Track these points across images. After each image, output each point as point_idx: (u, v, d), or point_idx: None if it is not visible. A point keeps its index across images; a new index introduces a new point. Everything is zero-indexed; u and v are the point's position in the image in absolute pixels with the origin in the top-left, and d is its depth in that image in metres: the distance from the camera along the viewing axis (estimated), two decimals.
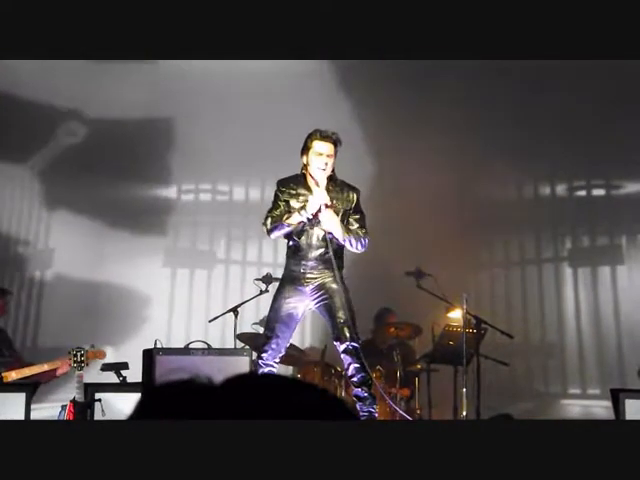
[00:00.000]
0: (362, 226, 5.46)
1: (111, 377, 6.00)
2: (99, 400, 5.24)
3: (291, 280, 5.46)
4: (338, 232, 5.31)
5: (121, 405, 5.22)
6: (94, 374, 5.90)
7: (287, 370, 7.26)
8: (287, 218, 5.35)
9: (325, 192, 5.32)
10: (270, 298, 5.68)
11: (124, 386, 5.73)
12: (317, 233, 5.39)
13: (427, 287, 6.84)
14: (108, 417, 5.16)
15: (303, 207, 5.32)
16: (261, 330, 5.96)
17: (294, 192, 5.42)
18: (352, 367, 5.33)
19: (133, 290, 8.81)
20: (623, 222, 9.13)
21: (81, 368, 5.36)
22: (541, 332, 9.17)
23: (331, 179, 5.40)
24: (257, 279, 6.94)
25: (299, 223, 5.36)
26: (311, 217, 5.31)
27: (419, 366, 7.30)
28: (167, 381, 1.05)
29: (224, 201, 9.40)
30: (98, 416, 5.21)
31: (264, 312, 5.89)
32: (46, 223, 8.98)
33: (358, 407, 5.32)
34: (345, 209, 5.43)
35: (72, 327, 7.94)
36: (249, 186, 9.28)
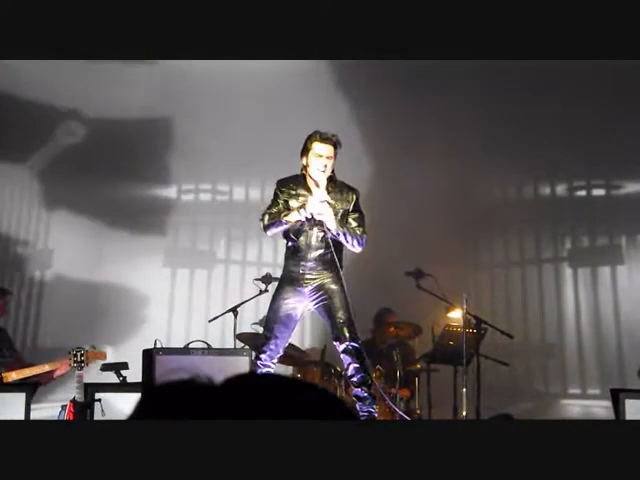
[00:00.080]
0: (360, 225, 5.46)
1: (111, 377, 5.99)
2: (99, 400, 5.24)
3: (290, 281, 5.46)
4: (331, 224, 5.31)
5: (121, 405, 5.21)
6: (94, 374, 5.89)
7: (287, 370, 7.26)
8: (285, 215, 5.36)
9: (325, 192, 5.33)
10: (270, 298, 5.69)
11: (124, 386, 5.73)
12: (316, 234, 5.40)
13: (427, 287, 6.83)
14: (108, 417, 5.16)
15: (302, 206, 5.33)
16: (261, 330, 5.96)
17: (294, 192, 5.43)
18: (352, 367, 5.33)
19: (133, 290, 8.81)
20: (623, 222, 9.12)
21: (81, 368, 5.36)
22: (541, 332, 9.17)
23: (331, 180, 5.41)
24: (257, 279, 6.94)
25: (297, 222, 5.36)
26: (310, 217, 5.32)
27: (419, 366, 7.30)
28: (167, 381, 1.05)
29: (224, 201, 9.40)
30: (98, 416, 5.21)
31: (264, 312, 5.89)
32: (46, 223, 8.98)
33: (358, 407, 5.32)
34: (344, 209, 5.44)
35: (72, 327, 7.95)
36: (249, 186, 9.28)
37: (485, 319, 6.76)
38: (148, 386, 5.29)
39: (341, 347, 5.34)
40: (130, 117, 8.71)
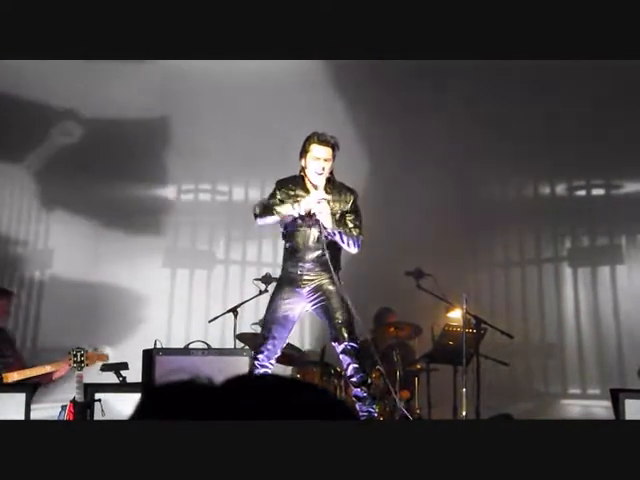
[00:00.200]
0: (356, 226, 5.46)
1: (111, 377, 5.99)
2: (99, 400, 5.24)
3: (288, 282, 5.48)
4: (328, 222, 5.32)
5: (120, 407, 5.21)
6: (94, 374, 5.89)
7: (286, 370, 7.26)
8: (278, 206, 5.36)
9: (323, 192, 5.34)
10: (269, 298, 5.70)
11: (124, 386, 5.72)
12: (313, 235, 5.41)
13: (427, 287, 6.83)
14: (108, 417, 5.16)
15: (297, 201, 5.34)
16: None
17: (292, 193, 5.45)
18: (351, 367, 5.34)
19: (133, 290, 8.81)
20: (623, 222, 9.12)
21: (81, 368, 5.36)
22: (541, 332, 9.17)
23: (329, 181, 5.42)
24: (256, 279, 6.94)
25: (288, 216, 5.36)
26: (303, 214, 5.32)
27: (419, 366, 7.29)
28: (167, 381, 1.05)
29: (224, 201, 9.39)
30: (98, 416, 5.21)
31: (264, 312, 5.89)
32: (46, 223, 8.97)
33: (357, 407, 5.33)
34: (342, 210, 5.45)
35: (72, 327, 7.94)
36: (248, 186, 9.27)
37: (485, 319, 6.76)
38: (148, 386, 5.28)
39: (340, 347, 5.35)
40: (129, 117, 8.71)
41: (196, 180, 9.35)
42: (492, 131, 8.63)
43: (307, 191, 5.41)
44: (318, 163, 5.33)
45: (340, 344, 5.34)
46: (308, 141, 5.37)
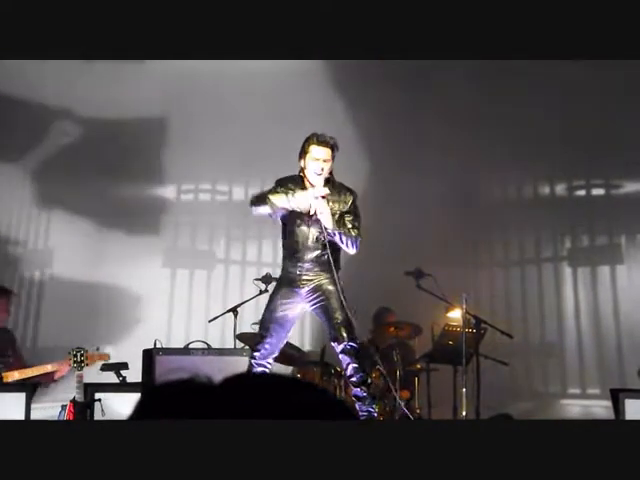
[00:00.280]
0: (355, 227, 5.46)
1: (111, 377, 5.99)
2: (99, 400, 5.24)
3: (287, 282, 5.48)
4: (329, 223, 5.32)
5: (118, 407, 5.21)
6: (94, 374, 5.90)
7: (287, 370, 7.26)
8: (272, 195, 5.36)
9: (323, 188, 5.34)
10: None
11: (124, 386, 5.73)
12: (312, 234, 5.41)
13: (427, 287, 6.83)
14: (107, 417, 5.16)
15: (292, 193, 5.34)
16: None
17: (292, 192, 5.45)
18: (350, 367, 5.34)
19: (133, 290, 8.81)
20: (622, 222, 9.12)
21: (81, 368, 5.37)
22: (541, 332, 9.17)
23: (328, 182, 5.42)
24: (256, 279, 6.94)
25: (282, 208, 5.35)
26: (296, 208, 5.31)
27: (419, 366, 7.30)
28: (167, 381, 1.05)
29: (223, 201, 9.40)
30: (98, 416, 5.21)
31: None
32: (46, 223, 8.97)
33: (357, 407, 5.33)
34: (342, 211, 5.45)
35: (72, 327, 7.94)
36: (248, 186, 9.27)
37: (485, 319, 6.76)
38: (148, 386, 5.29)
39: (339, 347, 5.36)
40: (130, 117, 8.71)
41: (196, 180, 9.35)
42: (492, 131, 8.63)
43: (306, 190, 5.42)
44: (317, 164, 5.34)
45: (339, 344, 5.34)
46: (307, 142, 5.38)
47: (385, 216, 8.20)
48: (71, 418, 5.20)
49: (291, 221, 5.46)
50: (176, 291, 9.16)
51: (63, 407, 5.43)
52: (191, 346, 6.28)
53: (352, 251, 5.46)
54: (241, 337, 6.90)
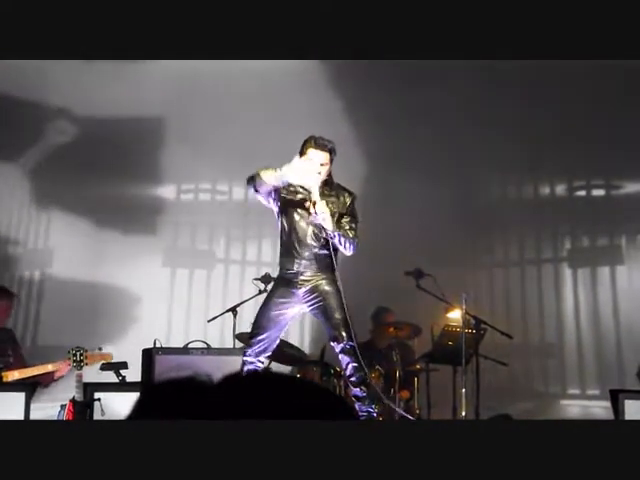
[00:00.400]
0: (352, 228, 5.45)
1: (110, 377, 5.99)
2: (98, 399, 5.24)
3: (285, 282, 5.48)
4: (329, 224, 5.31)
5: (118, 406, 5.20)
6: (93, 373, 5.89)
7: (286, 370, 7.26)
8: (263, 170, 5.30)
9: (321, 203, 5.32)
10: None
11: (123, 386, 5.73)
12: (310, 231, 5.41)
13: (427, 287, 6.83)
14: (107, 417, 5.16)
15: (296, 192, 5.33)
16: None
17: (292, 189, 5.46)
18: (350, 367, 5.34)
19: (132, 290, 8.81)
20: (623, 222, 9.12)
21: (80, 368, 5.36)
22: (540, 332, 9.16)
23: (326, 183, 5.42)
24: (256, 279, 6.94)
25: (271, 185, 5.30)
26: (286, 182, 5.27)
27: (418, 366, 7.29)
28: (167, 378, 1.05)
29: (223, 201, 9.40)
30: (97, 416, 5.21)
31: None
32: (45, 223, 8.97)
33: (357, 407, 5.33)
34: (340, 212, 5.45)
35: (72, 327, 7.94)
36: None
37: (484, 319, 6.76)
38: (148, 384, 5.29)
39: (339, 347, 5.35)
40: (130, 116, 8.71)
41: (196, 180, 9.35)
42: (492, 131, 8.62)
43: (305, 190, 5.41)
44: (314, 167, 5.33)
45: (339, 344, 5.34)
46: (305, 144, 5.37)
47: (385, 216, 8.20)
48: (70, 418, 5.19)
49: (290, 218, 5.46)
50: (176, 291, 9.16)
51: (62, 407, 5.42)
52: (190, 346, 6.28)
53: (349, 252, 5.46)
54: (240, 337, 6.89)
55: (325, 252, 5.40)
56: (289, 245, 5.47)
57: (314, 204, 5.29)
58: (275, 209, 5.52)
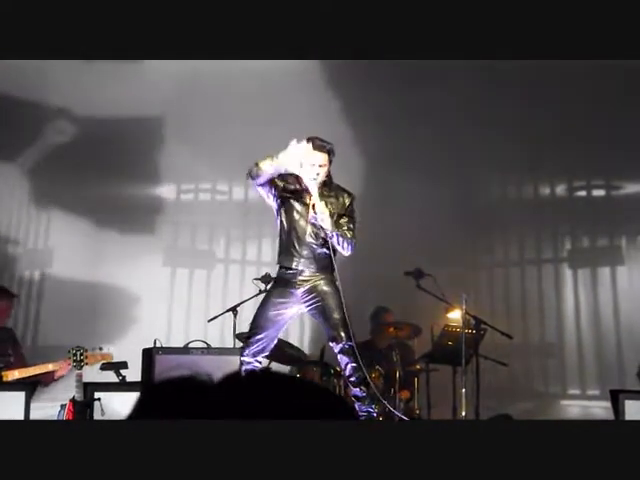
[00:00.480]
0: (350, 229, 5.46)
1: (110, 376, 5.99)
2: (98, 399, 5.24)
3: (284, 282, 5.49)
4: (328, 224, 5.32)
5: (118, 406, 5.20)
6: (93, 373, 5.89)
7: (286, 370, 7.26)
8: (261, 161, 5.31)
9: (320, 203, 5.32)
10: None
11: (123, 385, 5.72)
12: (309, 229, 5.42)
13: (427, 287, 6.83)
14: (107, 416, 5.16)
15: (296, 191, 5.34)
16: None
17: (292, 187, 5.47)
18: (349, 367, 5.34)
19: (132, 289, 8.81)
20: (623, 223, 9.12)
21: (80, 367, 5.36)
22: (540, 332, 9.16)
23: (325, 184, 5.43)
24: (256, 279, 6.94)
25: (268, 173, 5.30)
26: (283, 172, 5.28)
27: (418, 366, 7.29)
28: (167, 378, 1.05)
29: (223, 201, 9.40)
30: (97, 415, 5.20)
31: None
32: (45, 223, 8.97)
33: (357, 407, 5.33)
34: (339, 213, 5.46)
35: (72, 327, 7.94)
36: (248, 186, 9.26)
37: (484, 319, 6.76)
38: (148, 384, 5.29)
39: (338, 347, 5.36)
40: (129, 116, 8.71)
41: (196, 180, 9.35)
42: (492, 131, 8.62)
43: (304, 189, 5.42)
44: (312, 169, 5.34)
45: (338, 344, 5.34)
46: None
47: (385, 216, 8.20)
48: (70, 417, 5.19)
49: (289, 216, 5.47)
50: (176, 290, 9.16)
51: (62, 406, 5.42)
52: (190, 345, 6.28)
53: (346, 253, 5.46)
54: (240, 337, 6.89)
55: (324, 252, 5.41)
56: (288, 243, 5.48)
57: (313, 205, 5.30)
58: (274, 206, 5.52)
